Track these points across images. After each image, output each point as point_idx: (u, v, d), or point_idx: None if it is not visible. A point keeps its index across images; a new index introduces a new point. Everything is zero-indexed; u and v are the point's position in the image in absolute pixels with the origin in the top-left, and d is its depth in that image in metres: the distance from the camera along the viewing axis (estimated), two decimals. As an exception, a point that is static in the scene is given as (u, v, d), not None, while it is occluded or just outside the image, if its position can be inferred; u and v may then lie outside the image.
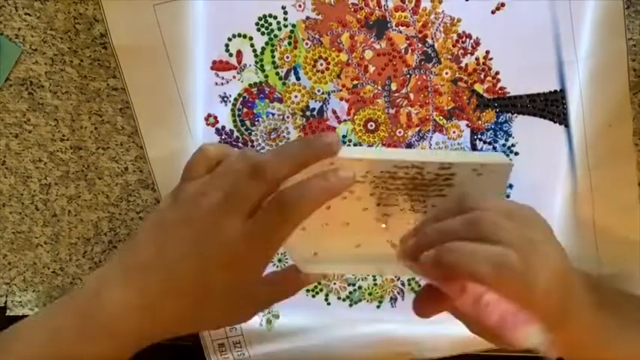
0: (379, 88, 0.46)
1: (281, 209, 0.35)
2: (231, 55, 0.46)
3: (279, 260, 0.49)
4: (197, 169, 0.39)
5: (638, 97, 0.47)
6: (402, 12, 0.44)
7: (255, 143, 0.48)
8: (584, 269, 0.44)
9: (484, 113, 0.47)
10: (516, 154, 0.47)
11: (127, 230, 0.50)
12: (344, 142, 0.47)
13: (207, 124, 0.47)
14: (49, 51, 0.45)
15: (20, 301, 0.51)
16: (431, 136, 0.47)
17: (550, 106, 0.46)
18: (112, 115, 0.47)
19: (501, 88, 0.46)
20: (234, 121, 0.47)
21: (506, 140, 0.47)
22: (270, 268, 0.39)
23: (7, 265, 0.50)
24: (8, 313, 0.51)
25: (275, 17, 0.44)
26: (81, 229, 0.50)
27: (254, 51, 0.45)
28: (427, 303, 0.38)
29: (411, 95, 0.46)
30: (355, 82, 0.46)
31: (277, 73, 0.46)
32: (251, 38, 0.45)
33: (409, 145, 0.47)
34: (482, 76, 0.46)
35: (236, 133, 0.47)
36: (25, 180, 0.48)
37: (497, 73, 0.46)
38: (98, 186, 0.49)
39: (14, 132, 0.47)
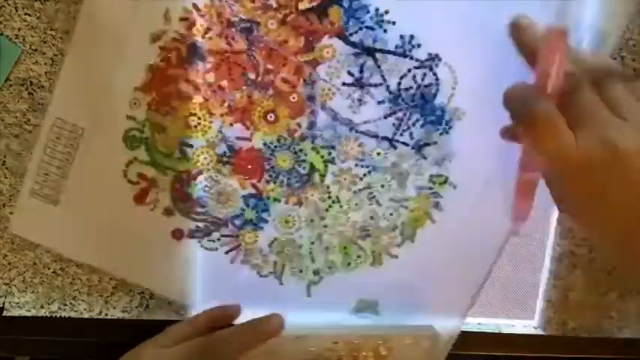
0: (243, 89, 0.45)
1: (211, 352, 0.43)
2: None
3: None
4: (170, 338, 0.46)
5: None
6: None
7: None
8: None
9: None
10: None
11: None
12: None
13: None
14: (49, 51, 0.45)
15: (18, 303, 0.51)
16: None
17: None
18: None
19: None
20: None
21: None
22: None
23: (7, 265, 0.50)
24: (5, 313, 0.51)
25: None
26: (80, 229, 0.50)
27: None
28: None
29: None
30: (223, 105, 0.46)
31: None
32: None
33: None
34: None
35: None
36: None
37: None
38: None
39: (14, 132, 0.47)
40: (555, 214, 0.51)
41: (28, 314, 0.51)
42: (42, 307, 0.51)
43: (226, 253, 0.49)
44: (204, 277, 0.50)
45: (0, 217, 0.49)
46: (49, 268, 0.50)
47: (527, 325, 0.54)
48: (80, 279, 0.51)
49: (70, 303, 0.51)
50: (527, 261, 0.51)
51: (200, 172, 0.47)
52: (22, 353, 0.51)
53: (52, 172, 0.47)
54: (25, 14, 0.44)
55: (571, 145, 0.34)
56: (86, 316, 0.51)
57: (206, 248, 0.49)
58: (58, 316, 0.51)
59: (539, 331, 0.54)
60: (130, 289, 0.51)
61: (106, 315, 0.51)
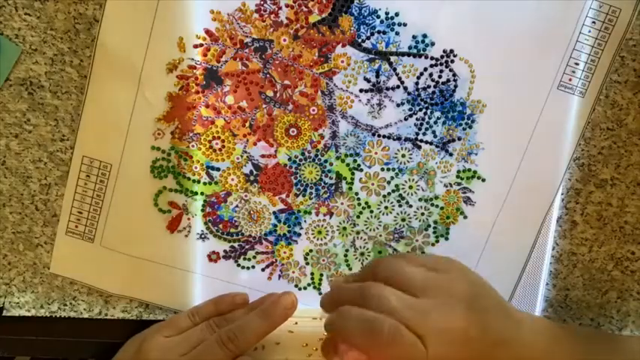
0: (263, 107, 0.46)
1: (229, 341, 0.43)
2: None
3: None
4: (174, 329, 0.46)
5: (638, 97, 0.48)
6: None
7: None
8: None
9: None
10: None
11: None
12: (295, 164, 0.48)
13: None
14: (49, 51, 0.46)
15: (18, 302, 0.51)
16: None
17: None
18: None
19: None
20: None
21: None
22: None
23: (7, 265, 0.50)
24: (5, 313, 0.51)
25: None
26: (80, 228, 0.50)
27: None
28: (327, 349, 0.43)
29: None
30: (245, 125, 0.46)
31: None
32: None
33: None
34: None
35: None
36: (25, 180, 0.49)
37: None
38: (97, 185, 0.50)
39: (14, 132, 0.48)
40: (555, 214, 0.50)
41: (28, 314, 0.51)
42: (42, 307, 0.51)
43: (263, 270, 0.50)
44: (244, 296, 0.50)
45: (0, 217, 0.49)
46: (48, 268, 0.50)
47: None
48: (80, 279, 0.50)
49: (70, 303, 0.51)
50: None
51: (229, 194, 0.48)
52: (22, 353, 0.51)
53: (85, 210, 0.47)
54: (25, 14, 0.45)
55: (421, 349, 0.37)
56: (86, 316, 0.51)
57: (243, 267, 0.49)
58: (58, 316, 0.51)
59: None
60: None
61: (106, 315, 0.51)
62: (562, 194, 0.50)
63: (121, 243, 0.48)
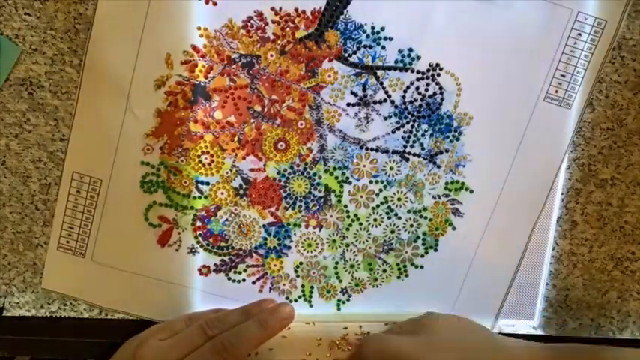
0: (251, 122, 0.46)
1: (223, 349, 0.43)
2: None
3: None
4: (169, 332, 0.45)
5: (638, 97, 0.48)
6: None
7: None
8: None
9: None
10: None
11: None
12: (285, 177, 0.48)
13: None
14: (49, 51, 0.46)
15: (18, 302, 0.52)
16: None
17: None
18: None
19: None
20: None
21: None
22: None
23: (7, 265, 0.51)
24: (5, 313, 0.52)
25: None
26: (80, 229, 0.51)
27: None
28: None
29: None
30: (233, 140, 0.47)
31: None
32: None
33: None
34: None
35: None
36: (25, 180, 0.49)
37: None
38: (97, 185, 0.49)
39: (14, 132, 0.48)
40: (555, 214, 0.51)
41: (28, 314, 0.51)
42: (42, 307, 0.51)
43: (254, 282, 0.50)
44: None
45: (0, 217, 0.50)
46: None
47: (527, 325, 0.54)
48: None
49: (70, 303, 0.51)
50: (527, 261, 0.51)
51: (219, 208, 0.48)
52: (22, 353, 0.51)
53: (76, 225, 0.48)
54: (25, 14, 0.45)
55: None
56: (86, 316, 0.51)
57: (233, 280, 0.50)
58: (58, 316, 0.52)
59: (539, 331, 0.53)
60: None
61: (106, 315, 0.51)
62: (562, 194, 0.50)
63: (112, 258, 0.48)
